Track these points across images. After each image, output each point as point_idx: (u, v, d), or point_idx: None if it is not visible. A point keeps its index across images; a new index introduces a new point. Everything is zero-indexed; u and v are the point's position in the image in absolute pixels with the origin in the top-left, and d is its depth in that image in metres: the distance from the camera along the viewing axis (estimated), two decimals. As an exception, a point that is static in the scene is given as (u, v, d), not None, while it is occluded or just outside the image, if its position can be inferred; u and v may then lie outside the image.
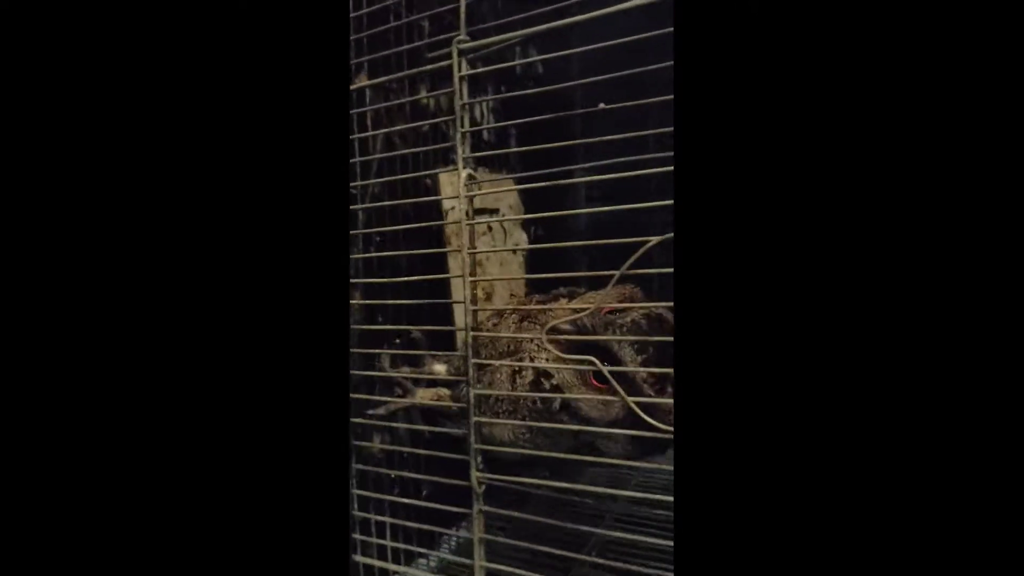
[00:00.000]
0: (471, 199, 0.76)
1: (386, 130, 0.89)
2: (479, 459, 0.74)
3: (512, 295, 1.18)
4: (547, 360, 0.76)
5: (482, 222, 0.95)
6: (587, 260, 1.33)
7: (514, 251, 1.17)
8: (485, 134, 1.11)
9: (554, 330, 0.73)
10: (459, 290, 0.92)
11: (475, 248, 0.76)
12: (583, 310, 0.72)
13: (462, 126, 0.74)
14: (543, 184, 0.74)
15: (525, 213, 1.13)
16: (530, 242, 1.20)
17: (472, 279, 0.78)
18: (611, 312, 0.75)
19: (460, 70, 0.73)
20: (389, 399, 0.89)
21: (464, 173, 0.74)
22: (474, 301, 0.78)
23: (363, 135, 0.87)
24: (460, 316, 0.98)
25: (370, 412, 0.88)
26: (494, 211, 1.11)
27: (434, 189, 1.01)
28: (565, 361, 0.73)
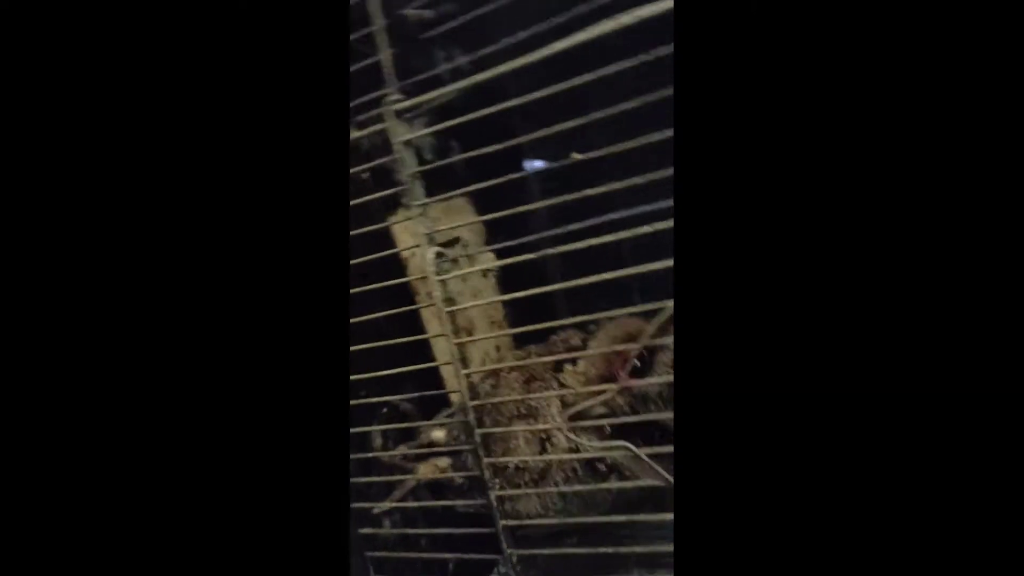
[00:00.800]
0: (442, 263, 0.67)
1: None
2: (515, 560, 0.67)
3: (492, 321, 1.09)
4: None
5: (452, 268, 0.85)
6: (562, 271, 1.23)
7: (484, 274, 1.07)
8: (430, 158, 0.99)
9: (581, 415, 0.64)
10: (440, 344, 0.83)
11: (456, 326, 0.67)
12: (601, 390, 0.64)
13: (415, 198, 0.63)
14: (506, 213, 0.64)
15: (486, 232, 1.03)
16: (498, 258, 1.11)
17: (457, 341, 0.68)
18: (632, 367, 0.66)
19: (398, 134, 0.61)
20: (384, 504, 0.80)
21: (431, 252, 0.64)
22: (465, 364, 0.69)
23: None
24: (449, 373, 0.89)
25: (375, 511, 0.79)
26: (455, 240, 1.00)
27: (388, 241, 0.90)
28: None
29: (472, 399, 0.66)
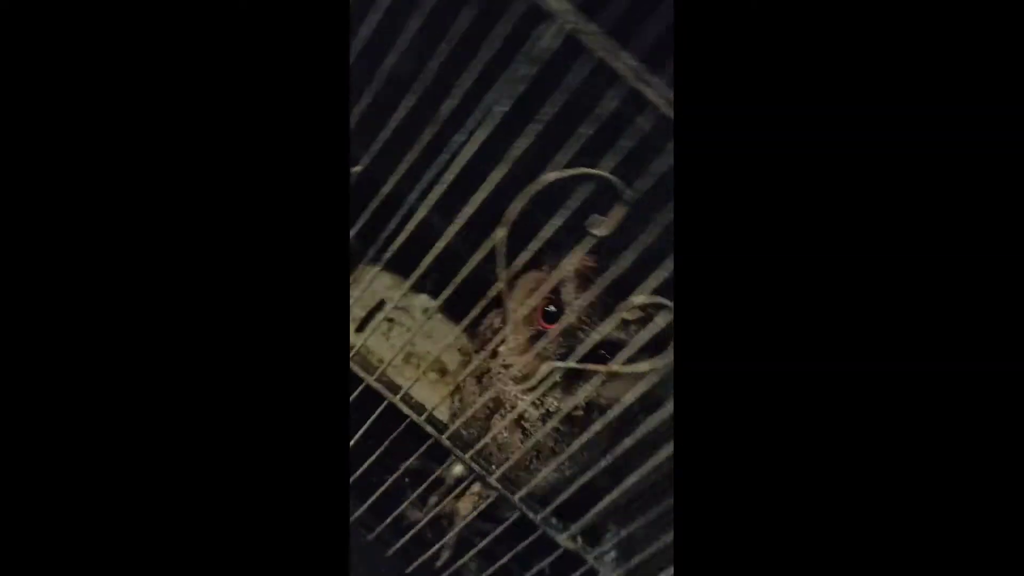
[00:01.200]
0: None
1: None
2: (554, 521, 0.70)
3: (459, 349, 1.13)
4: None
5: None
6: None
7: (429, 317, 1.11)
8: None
9: (527, 378, 0.68)
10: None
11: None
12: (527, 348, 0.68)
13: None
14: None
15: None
16: (432, 293, 1.15)
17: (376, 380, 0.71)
18: (547, 314, 0.70)
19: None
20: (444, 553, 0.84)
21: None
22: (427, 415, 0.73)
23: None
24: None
25: (438, 564, 0.83)
26: (380, 304, 1.04)
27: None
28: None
29: (432, 425, 0.70)
